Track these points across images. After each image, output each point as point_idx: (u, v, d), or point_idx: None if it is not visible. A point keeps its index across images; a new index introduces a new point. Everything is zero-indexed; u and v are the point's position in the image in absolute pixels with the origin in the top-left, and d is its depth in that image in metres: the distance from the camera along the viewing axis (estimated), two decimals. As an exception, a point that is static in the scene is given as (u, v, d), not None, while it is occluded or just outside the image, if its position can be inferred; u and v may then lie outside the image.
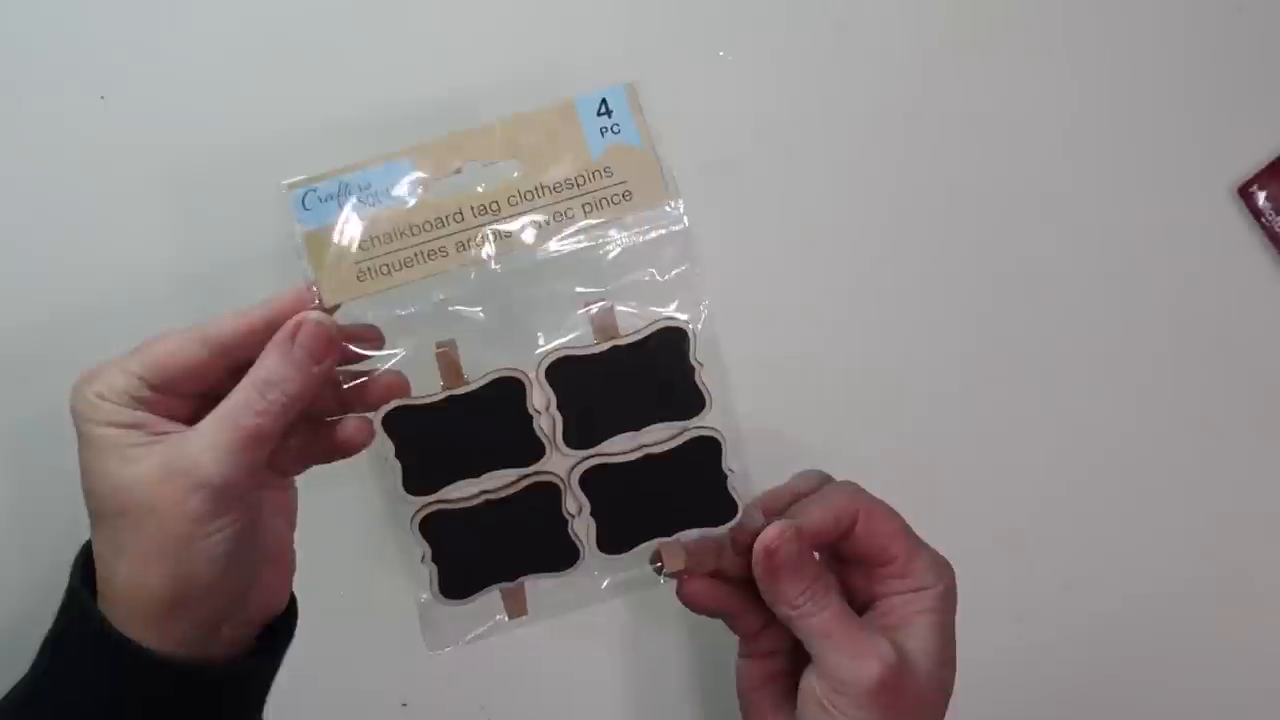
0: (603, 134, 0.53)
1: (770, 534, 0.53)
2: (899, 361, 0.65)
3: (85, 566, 0.50)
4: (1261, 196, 0.65)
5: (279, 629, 0.55)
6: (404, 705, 0.66)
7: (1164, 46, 0.65)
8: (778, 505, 0.58)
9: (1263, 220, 0.65)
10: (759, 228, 0.62)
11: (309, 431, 0.54)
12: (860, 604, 0.56)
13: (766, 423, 0.60)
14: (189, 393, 0.51)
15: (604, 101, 0.53)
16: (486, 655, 0.64)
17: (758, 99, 0.63)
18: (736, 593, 0.57)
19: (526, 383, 0.57)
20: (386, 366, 0.55)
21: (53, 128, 0.62)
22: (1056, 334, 0.66)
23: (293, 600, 0.57)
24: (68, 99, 0.62)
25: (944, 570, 0.55)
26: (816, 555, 0.56)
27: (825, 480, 0.58)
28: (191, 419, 0.50)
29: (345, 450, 0.55)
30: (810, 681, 0.53)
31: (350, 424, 0.54)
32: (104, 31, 0.62)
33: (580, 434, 0.58)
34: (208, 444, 0.48)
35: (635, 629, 0.67)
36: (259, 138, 0.62)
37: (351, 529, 0.62)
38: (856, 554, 0.55)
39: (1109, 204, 0.65)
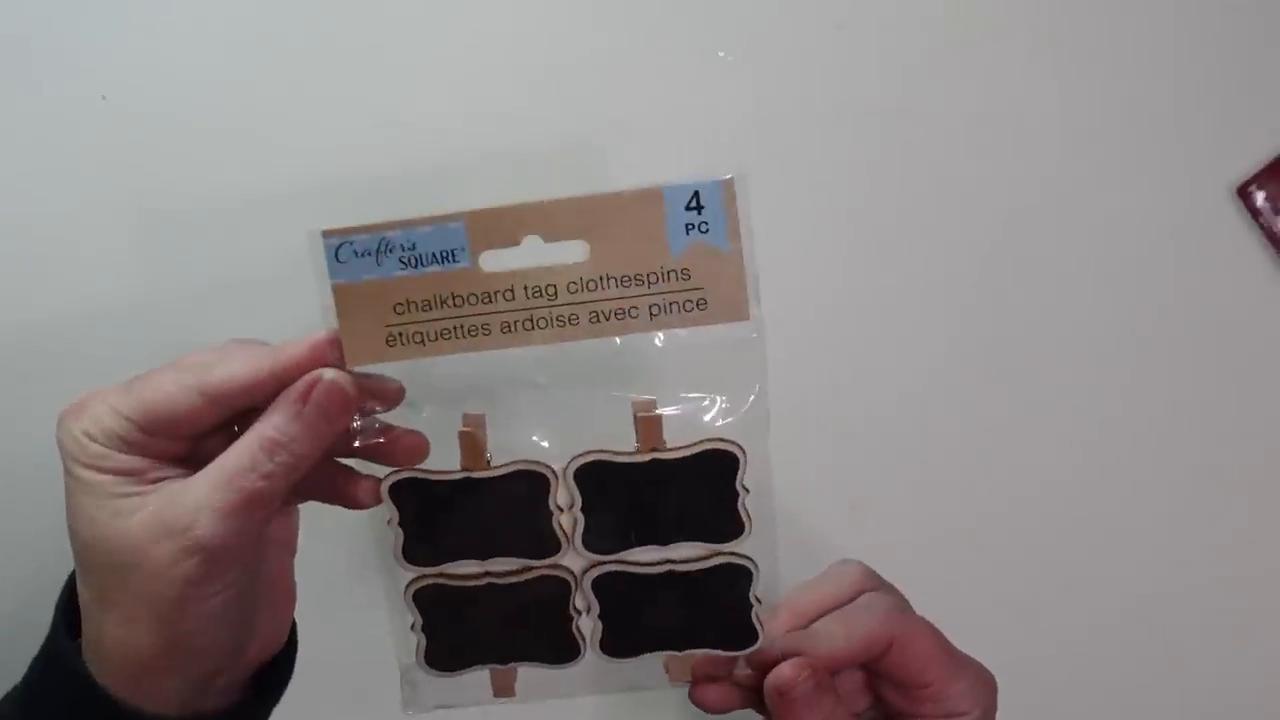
0: (688, 230, 0.47)
1: (786, 674, 0.50)
2: (897, 361, 0.65)
3: (69, 609, 0.47)
4: (1260, 196, 0.66)
5: (277, 662, 0.53)
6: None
7: (1163, 46, 0.65)
8: (803, 612, 0.54)
9: (1261, 220, 0.66)
10: (758, 228, 0.58)
11: (316, 468, 0.49)
12: (894, 717, 0.53)
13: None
14: (181, 436, 0.47)
15: (696, 195, 0.47)
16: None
17: (757, 99, 0.63)
18: (753, 697, 0.54)
19: (552, 479, 0.52)
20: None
21: (53, 128, 0.62)
22: (1056, 334, 0.66)
23: (293, 631, 0.53)
24: (68, 99, 0.62)
25: (983, 692, 0.52)
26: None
27: (861, 582, 0.54)
28: (185, 459, 0.47)
29: (348, 505, 0.51)
30: None
31: (360, 484, 0.51)
32: (104, 31, 0.62)
33: (601, 540, 0.53)
34: (205, 504, 0.44)
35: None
36: (259, 137, 0.61)
37: (351, 528, 0.58)
38: (892, 679, 0.52)
39: (1108, 204, 0.66)
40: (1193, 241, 0.66)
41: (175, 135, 0.62)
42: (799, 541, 0.61)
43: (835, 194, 0.63)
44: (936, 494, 0.65)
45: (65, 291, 0.62)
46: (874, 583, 0.54)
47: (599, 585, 0.54)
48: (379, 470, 0.51)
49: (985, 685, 0.53)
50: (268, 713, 0.52)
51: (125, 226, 0.62)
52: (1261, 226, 0.66)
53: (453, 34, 0.61)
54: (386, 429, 0.50)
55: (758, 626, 0.55)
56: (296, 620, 0.54)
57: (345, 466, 0.51)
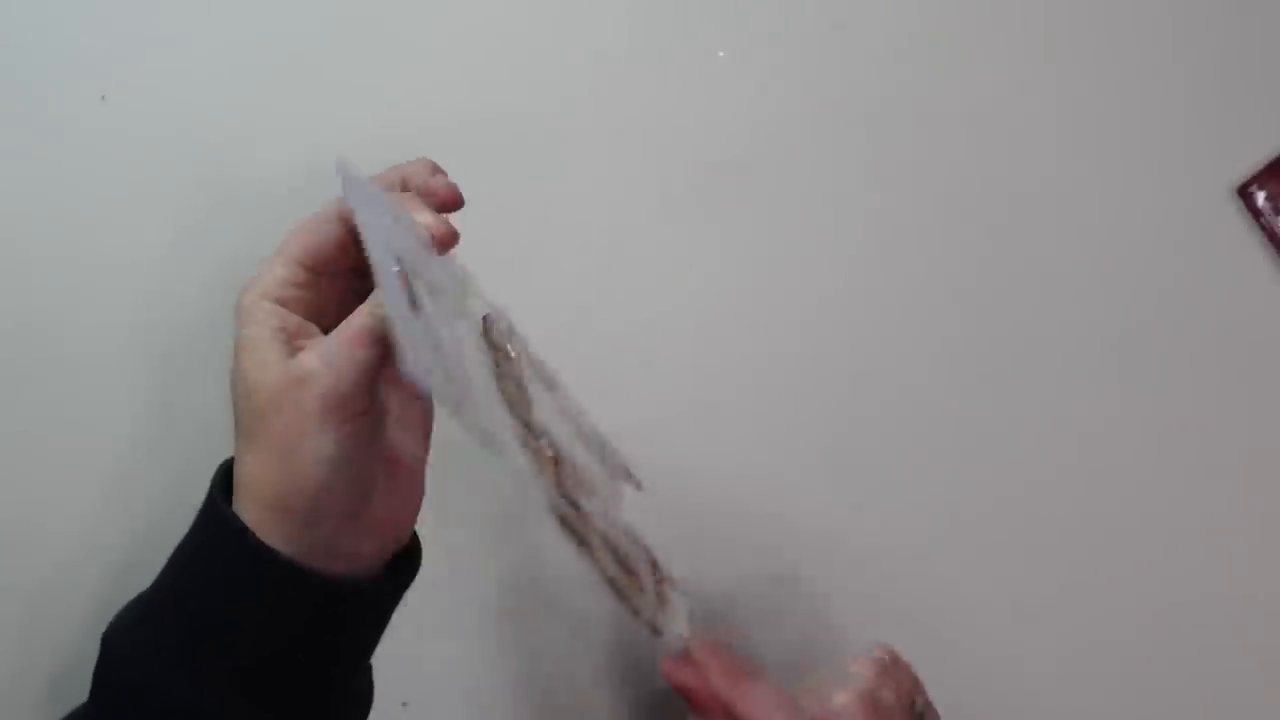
0: None
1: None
2: (897, 361, 0.65)
3: (225, 475, 0.53)
4: (1261, 196, 0.65)
5: (403, 563, 0.57)
6: (404, 705, 0.68)
7: (1164, 46, 0.64)
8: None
9: (1262, 220, 0.65)
10: (758, 227, 0.60)
11: None
12: None
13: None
14: (341, 270, 0.54)
15: None
16: (488, 655, 0.67)
17: (757, 99, 0.62)
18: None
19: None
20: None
21: (53, 127, 0.62)
22: (1055, 334, 0.66)
23: (415, 539, 0.58)
24: (68, 99, 0.62)
25: None
26: None
27: (875, 677, 0.54)
28: (346, 307, 0.52)
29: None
30: None
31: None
32: (104, 31, 0.61)
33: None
34: (322, 352, 0.50)
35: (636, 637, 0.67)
36: (259, 137, 0.62)
37: None
38: None
39: (1108, 204, 0.65)
40: (1193, 241, 0.65)
41: (175, 135, 0.62)
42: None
43: (835, 194, 0.63)
44: (936, 495, 0.65)
45: (65, 292, 0.63)
46: (881, 676, 0.54)
47: None
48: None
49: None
50: (395, 592, 0.56)
51: (125, 227, 0.62)
52: (1262, 226, 0.65)
53: (452, 33, 0.61)
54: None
55: None
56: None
57: None
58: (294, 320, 0.52)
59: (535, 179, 0.63)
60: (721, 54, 0.62)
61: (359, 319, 0.50)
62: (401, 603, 0.64)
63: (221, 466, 0.54)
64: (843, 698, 0.52)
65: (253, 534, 0.50)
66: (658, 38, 0.61)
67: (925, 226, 0.63)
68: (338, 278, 0.54)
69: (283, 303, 0.52)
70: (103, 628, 0.53)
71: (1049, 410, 0.65)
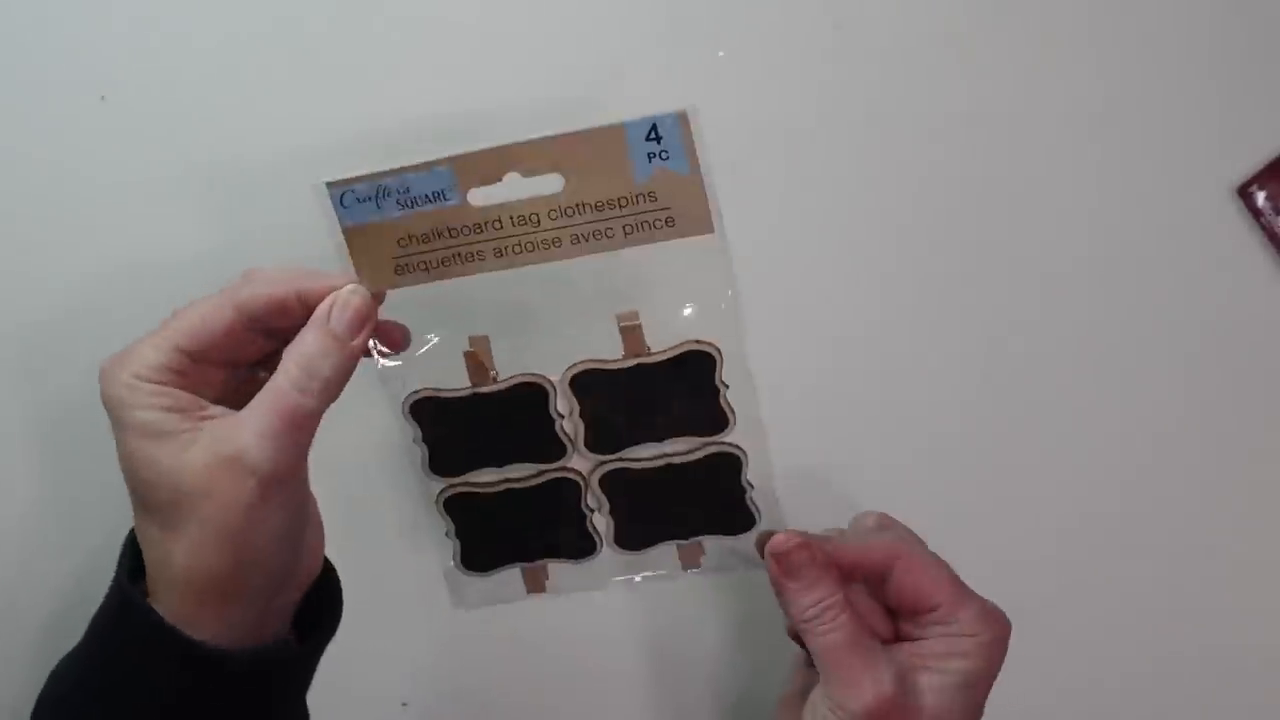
0: (650, 159, 0.52)
1: (779, 538, 0.52)
2: (897, 361, 0.65)
3: (132, 557, 0.50)
4: (1261, 196, 0.64)
5: (323, 592, 0.55)
6: (404, 705, 0.68)
7: (1164, 46, 0.63)
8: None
9: (1263, 220, 0.64)
10: (758, 227, 0.61)
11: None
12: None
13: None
14: (221, 361, 0.51)
15: (654, 127, 0.52)
16: (489, 653, 0.67)
17: (757, 99, 0.62)
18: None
19: (550, 389, 0.58)
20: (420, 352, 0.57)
21: (53, 127, 0.62)
22: (1054, 334, 0.65)
23: (328, 566, 0.56)
24: (68, 99, 0.62)
25: (993, 622, 0.53)
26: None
27: (879, 520, 0.56)
28: (223, 393, 0.51)
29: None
30: (817, 695, 0.53)
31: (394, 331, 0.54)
32: (104, 31, 0.61)
33: (602, 440, 0.59)
34: (256, 431, 0.47)
35: (645, 630, 0.68)
36: (259, 138, 0.62)
37: (354, 534, 0.63)
38: (900, 603, 0.54)
39: (1108, 204, 0.64)
40: (1193, 241, 0.64)
41: (175, 135, 0.62)
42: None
43: (835, 194, 0.63)
44: (936, 495, 0.65)
45: (64, 292, 0.63)
46: (890, 524, 0.56)
47: (605, 483, 0.60)
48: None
49: (995, 617, 0.53)
50: (323, 641, 0.54)
51: (125, 227, 0.63)
52: (1262, 226, 0.64)
53: (452, 33, 0.61)
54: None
55: (754, 510, 0.60)
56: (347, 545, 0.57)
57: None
58: (185, 397, 0.48)
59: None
60: (721, 54, 0.61)
61: (293, 397, 0.48)
62: (402, 603, 0.66)
63: (127, 546, 0.51)
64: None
65: (181, 634, 0.47)
66: (658, 37, 0.61)
67: (925, 226, 0.63)
68: (218, 368, 0.51)
69: (161, 381, 0.48)
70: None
71: (1048, 410, 0.65)
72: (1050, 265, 0.64)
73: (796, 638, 0.55)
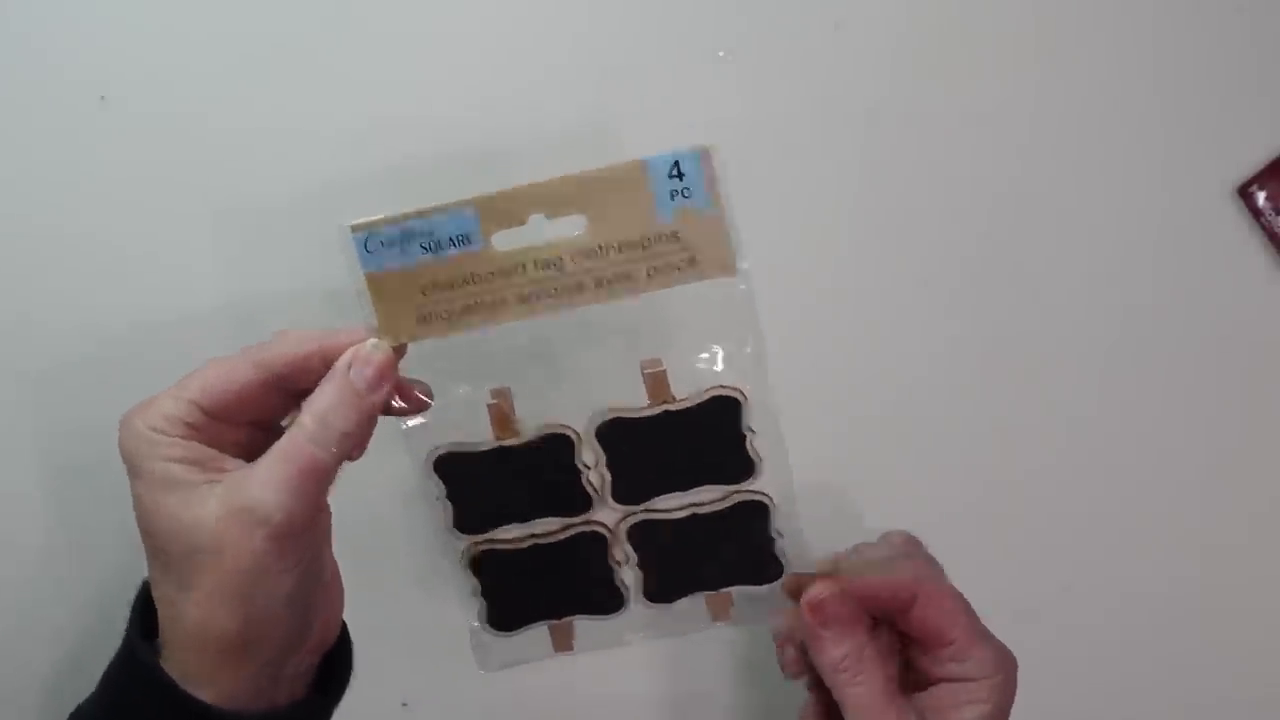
0: (672, 197, 0.52)
1: (816, 590, 0.52)
2: (896, 362, 0.65)
3: (144, 611, 0.49)
4: (1261, 196, 0.64)
5: (335, 657, 0.54)
6: (404, 705, 0.67)
7: (1163, 46, 0.64)
8: (844, 567, 0.56)
9: (1263, 220, 0.65)
10: (758, 227, 0.61)
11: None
12: (921, 684, 0.54)
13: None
14: (242, 420, 0.50)
15: (676, 164, 0.52)
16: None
17: (758, 99, 0.62)
18: None
19: (576, 440, 0.57)
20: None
21: (53, 127, 0.62)
22: (1055, 334, 0.65)
23: (344, 630, 0.55)
24: (68, 99, 0.62)
25: (1004, 662, 0.53)
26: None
27: (904, 545, 0.56)
28: (245, 450, 0.50)
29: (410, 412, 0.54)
30: None
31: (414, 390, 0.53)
32: (104, 31, 0.61)
33: (629, 491, 0.58)
34: (268, 481, 0.46)
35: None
36: (259, 136, 0.62)
37: (352, 536, 0.62)
38: (916, 634, 0.53)
39: (1108, 204, 0.64)
40: (1193, 241, 0.65)
41: (175, 135, 0.62)
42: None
43: (835, 194, 0.63)
44: (935, 496, 0.65)
45: (64, 292, 0.63)
46: (915, 548, 0.56)
47: (633, 535, 0.59)
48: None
49: (1007, 658, 0.53)
50: (333, 705, 0.53)
51: (125, 227, 0.62)
52: (1262, 226, 0.65)
53: (452, 33, 0.62)
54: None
55: (781, 559, 0.59)
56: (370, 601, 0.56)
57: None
58: (203, 450, 0.48)
59: (534, 179, 0.63)
60: (721, 54, 0.62)
61: (308, 449, 0.47)
62: (402, 603, 0.64)
63: (139, 599, 0.50)
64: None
65: (190, 696, 0.47)
66: (658, 37, 0.62)
67: (925, 226, 0.63)
68: (240, 426, 0.50)
69: (178, 434, 0.48)
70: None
71: (1048, 411, 0.66)
72: (1050, 265, 0.64)
73: (810, 677, 0.55)
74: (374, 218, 0.52)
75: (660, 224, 0.52)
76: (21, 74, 0.62)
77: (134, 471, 0.48)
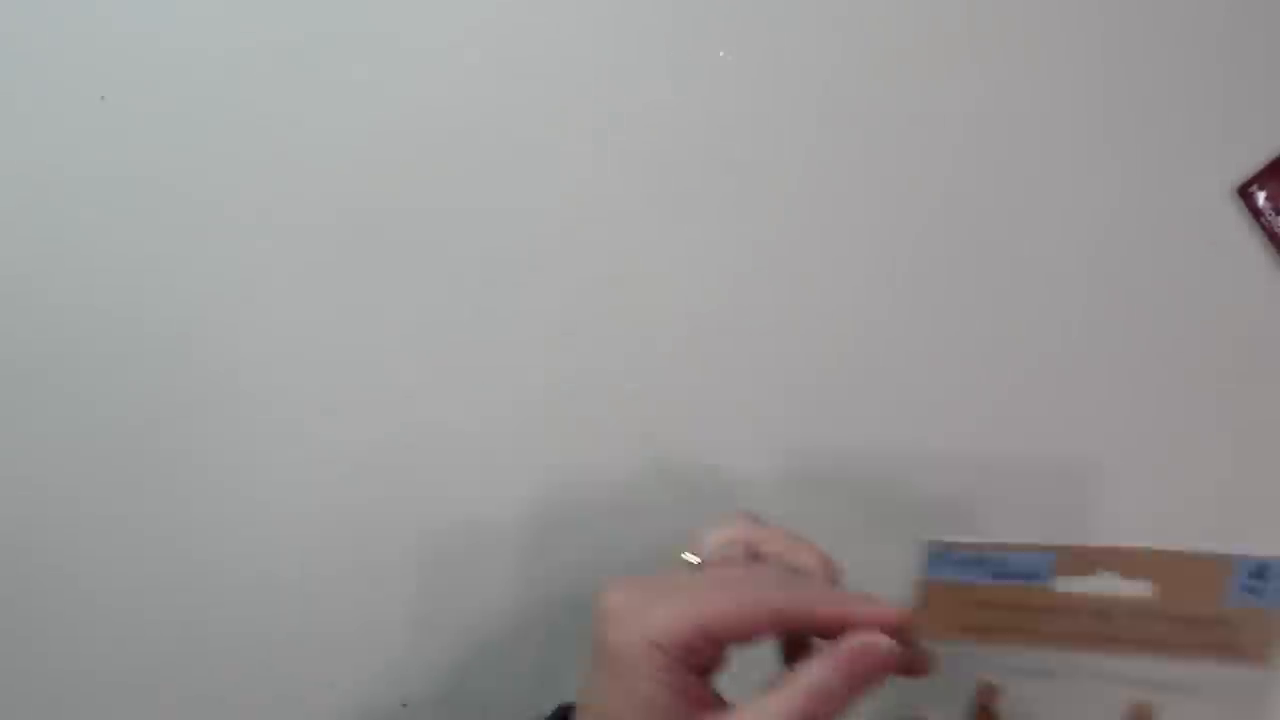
0: (1245, 590, 0.52)
1: None
2: (896, 363, 0.66)
3: None
4: (1261, 196, 0.65)
5: None
6: (404, 705, 0.67)
7: (1163, 46, 0.64)
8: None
9: (1262, 220, 0.65)
10: (758, 227, 0.61)
11: None
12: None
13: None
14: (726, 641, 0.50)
15: (1264, 569, 0.52)
16: (489, 655, 0.66)
17: (757, 99, 0.62)
18: None
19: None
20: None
21: (53, 127, 0.61)
22: (1055, 334, 0.66)
23: None
24: (68, 99, 0.61)
25: None
26: None
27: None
28: (715, 662, 0.50)
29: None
30: None
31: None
32: (104, 31, 0.61)
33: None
34: None
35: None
36: (259, 136, 0.61)
37: (354, 539, 0.63)
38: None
39: (1108, 204, 0.65)
40: (1193, 241, 0.64)
41: (175, 135, 0.61)
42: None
43: (835, 194, 0.63)
44: (935, 492, 0.65)
45: (63, 292, 0.63)
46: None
47: None
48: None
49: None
50: None
51: (124, 227, 0.62)
52: (1262, 226, 0.64)
53: (453, 34, 0.61)
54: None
55: None
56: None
57: None
58: (693, 683, 0.48)
59: (534, 179, 0.63)
60: (722, 54, 0.61)
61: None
62: (402, 604, 0.65)
63: None
64: None
65: None
66: (658, 37, 0.61)
67: (924, 226, 0.63)
68: (716, 645, 0.49)
69: (677, 657, 0.47)
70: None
71: (1047, 410, 0.66)
72: (1050, 265, 0.65)
73: None
74: (954, 539, 0.52)
75: (1223, 610, 0.52)
76: (21, 74, 0.61)
77: (613, 672, 0.47)
